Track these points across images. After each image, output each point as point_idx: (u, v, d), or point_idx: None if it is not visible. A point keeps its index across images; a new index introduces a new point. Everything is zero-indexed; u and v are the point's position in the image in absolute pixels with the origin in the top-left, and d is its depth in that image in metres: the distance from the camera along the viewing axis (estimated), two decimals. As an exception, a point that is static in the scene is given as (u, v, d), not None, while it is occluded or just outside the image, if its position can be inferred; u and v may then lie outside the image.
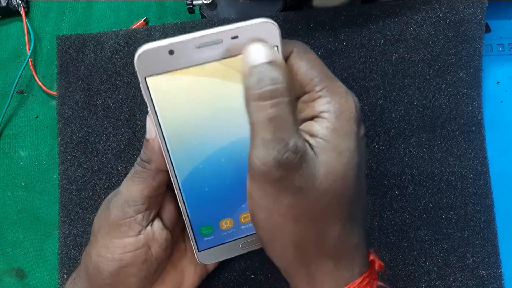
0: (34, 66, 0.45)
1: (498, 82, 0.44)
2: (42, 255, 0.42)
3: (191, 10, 0.41)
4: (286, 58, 0.27)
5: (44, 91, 0.45)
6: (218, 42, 0.25)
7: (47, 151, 0.44)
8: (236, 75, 0.27)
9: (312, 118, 0.26)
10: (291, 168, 0.24)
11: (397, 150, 0.40)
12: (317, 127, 0.25)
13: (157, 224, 0.31)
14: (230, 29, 0.25)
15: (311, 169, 0.24)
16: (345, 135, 0.25)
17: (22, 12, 0.45)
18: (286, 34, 0.40)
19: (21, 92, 0.45)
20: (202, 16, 0.42)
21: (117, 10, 0.47)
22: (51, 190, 0.43)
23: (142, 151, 0.30)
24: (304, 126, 0.26)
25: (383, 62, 0.40)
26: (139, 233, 0.30)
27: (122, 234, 0.30)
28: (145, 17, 0.46)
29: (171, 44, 0.25)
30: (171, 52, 0.25)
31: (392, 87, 0.40)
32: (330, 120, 0.25)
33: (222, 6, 0.42)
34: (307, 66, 0.26)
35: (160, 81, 0.26)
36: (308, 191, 0.24)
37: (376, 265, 0.28)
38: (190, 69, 0.26)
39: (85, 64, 0.41)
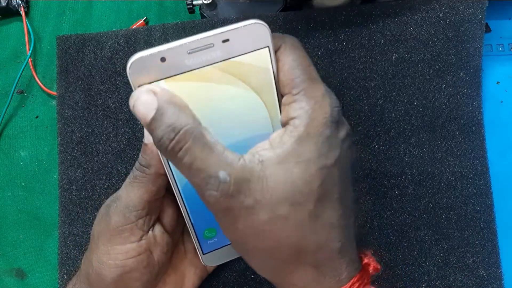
0: (34, 66, 0.45)
1: (498, 82, 0.44)
2: (42, 255, 0.42)
3: (191, 10, 0.41)
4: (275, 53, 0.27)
5: (44, 91, 0.45)
6: (209, 46, 0.25)
7: (47, 151, 0.44)
8: (230, 79, 0.27)
9: (285, 124, 0.26)
10: (232, 195, 0.24)
11: (397, 150, 0.40)
12: (285, 137, 0.25)
13: (157, 228, 0.31)
14: (221, 33, 0.25)
15: (256, 185, 0.24)
16: (310, 143, 0.24)
17: (22, 12, 0.45)
18: (286, 34, 0.40)
19: (21, 92, 0.45)
20: (202, 16, 0.42)
21: (117, 10, 0.47)
22: (51, 190, 0.43)
23: (140, 156, 0.30)
24: (276, 133, 0.25)
25: (383, 62, 0.40)
26: (140, 239, 0.30)
27: (123, 240, 0.30)
28: (145, 17, 0.46)
29: (162, 51, 0.25)
30: (163, 60, 0.25)
31: (392, 87, 0.40)
32: (299, 129, 0.24)
33: (222, 6, 0.42)
34: (290, 64, 0.26)
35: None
36: (261, 206, 0.24)
37: (371, 268, 0.28)
38: (183, 75, 0.26)
39: (85, 64, 0.41)
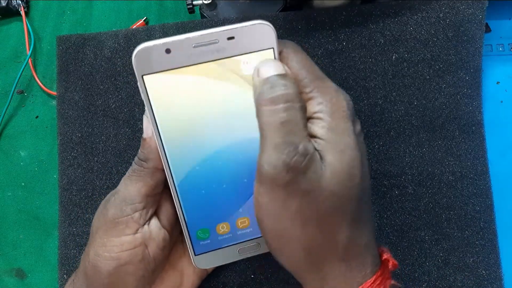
0: (34, 66, 0.45)
1: (498, 82, 0.44)
2: (42, 255, 0.42)
3: (191, 10, 0.41)
4: None
5: (44, 91, 0.45)
6: (214, 42, 0.26)
7: (47, 151, 0.44)
8: (232, 76, 0.27)
9: (307, 120, 0.26)
10: (299, 172, 0.24)
11: (397, 150, 0.40)
12: (314, 128, 0.25)
13: (154, 223, 0.31)
14: (226, 30, 0.26)
15: (318, 172, 0.24)
16: (342, 133, 0.25)
17: (22, 12, 0.45)
18: (286, 34, 0.40)
19: (21, 92, 0.45)
20: (202, 16, 0.42)
21: (117, 10, 0.47)
22: (51, 190, 0.43)
23: (139, 150, 0.30)
24: None
25: (383, 62, 0.40)
26: (136, 232, 0.30)
27: (119, 232, 0.30)
28: (145, 17, 0.46)
29: (168, 43, 0.25)
30: (168, 51, 0.26)
31: (392, 87, 0.40)
32: (326, 120, 0.25)
33: (222, 6, 0.42)
34: (296, 67, 0.26)
35: (157, 79, 0.27)
36: (316, 193, 0.24)
37: (390, 264, 0.28)
38: (187, 68, 0.26)
39: (85, 64, 0.41)
